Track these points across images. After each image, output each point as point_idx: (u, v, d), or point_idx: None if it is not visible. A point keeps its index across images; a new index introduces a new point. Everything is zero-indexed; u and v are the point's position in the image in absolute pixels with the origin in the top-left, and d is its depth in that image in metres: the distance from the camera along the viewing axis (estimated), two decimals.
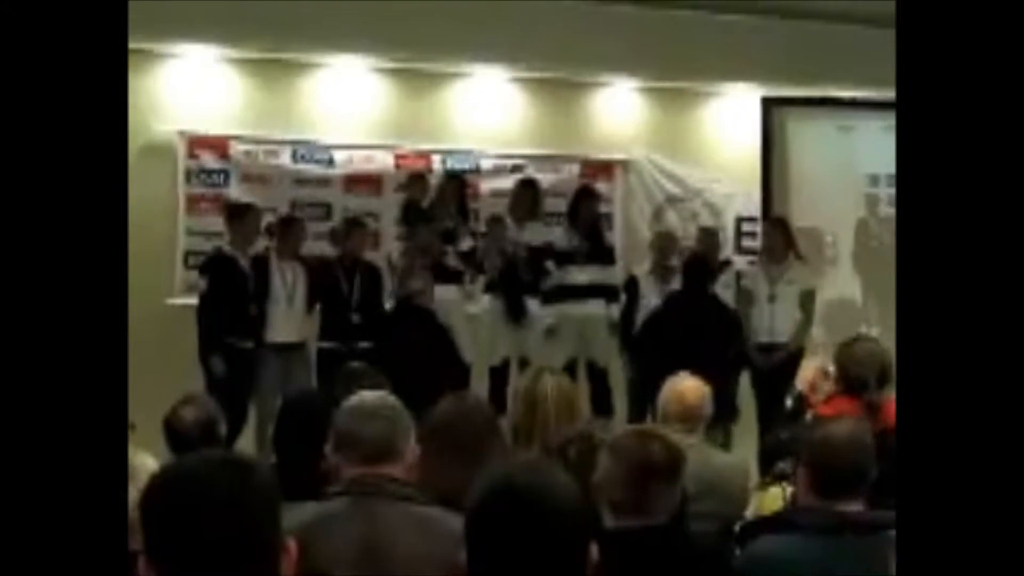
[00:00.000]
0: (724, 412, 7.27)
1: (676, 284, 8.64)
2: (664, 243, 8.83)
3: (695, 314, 7.93)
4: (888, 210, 10.02)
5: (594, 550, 2.07)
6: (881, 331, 9.85)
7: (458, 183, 8.68)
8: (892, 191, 9.97)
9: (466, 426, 3.23)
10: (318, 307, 8.04)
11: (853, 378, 4.39)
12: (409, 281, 7.70)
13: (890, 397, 4.30)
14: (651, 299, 8.43)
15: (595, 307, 8.60)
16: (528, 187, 8.82)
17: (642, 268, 8.88)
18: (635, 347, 8.20)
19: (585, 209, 8.71)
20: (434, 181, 8.77)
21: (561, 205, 8.97)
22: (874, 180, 10.03)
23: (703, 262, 8.37)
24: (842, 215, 10.08)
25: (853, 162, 10.09)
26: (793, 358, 8.16)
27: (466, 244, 8.39)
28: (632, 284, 8.73)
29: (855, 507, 3.09)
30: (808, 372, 6.63)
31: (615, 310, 8.65)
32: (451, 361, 7.47)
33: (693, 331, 7.70)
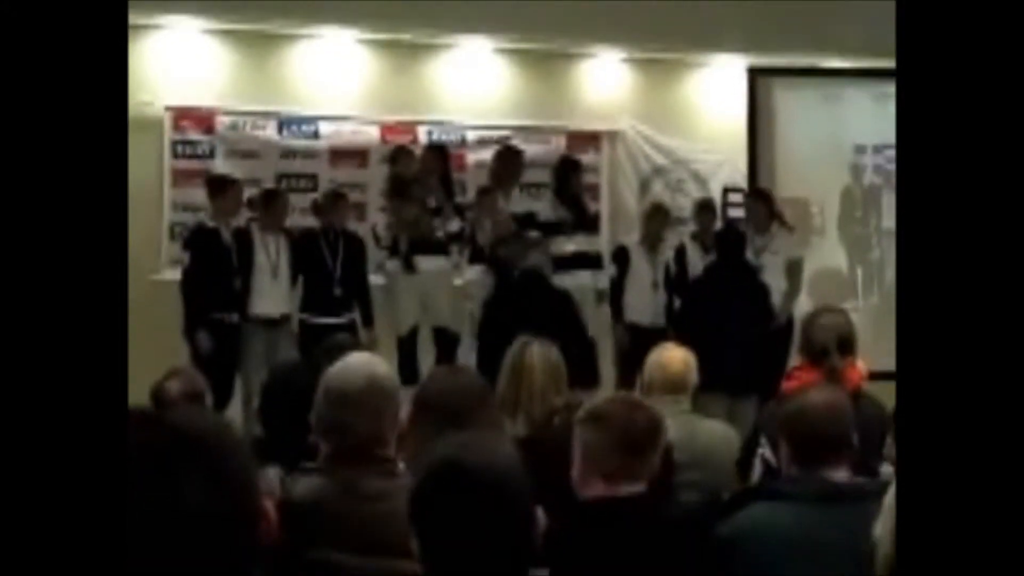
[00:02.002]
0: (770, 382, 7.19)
1: (665, 255, 8.67)
2: (656, 216, 8.84)
3: (734, 284, 7.94)
4: (873, 179, 10.04)
5: (540, 515, 2.12)
6: (866, 300, 9.91)
7: (440, 153, 8.63)
8: (878, 160, 9.99)
9: (457, 399, 3.22)
10: (301, 280, 8.03)
11: (816, 345, 4.43)
12: (532, 254, 7.61)
13: (851, 364, 4.36)
14: (645, 270, 8.51)
15: (582, 277, 8.60)
16: (510, 156, 8.79)
17: (631, 239, 8.89)
18: (679, 318, 8.17)
19: (569, 180, 8.70)
20: (418, 152, 8.75)
21: (547, 176, 8.94)
22: (860, 150, 10.04)
23: (737, 232, 8.36)
24: (828, 185, 10.08)
25: (839, 132, 10.09)
26: (784, 329, 8.17)
27: (454, 226, 8.37)
28: (622, 254, 8.74)
29: (840, 474, 3.10)
30: None
31: (601, 279, 8.67)
32: (576, 329, 7.39)
33: (732, 301, 7.74)
